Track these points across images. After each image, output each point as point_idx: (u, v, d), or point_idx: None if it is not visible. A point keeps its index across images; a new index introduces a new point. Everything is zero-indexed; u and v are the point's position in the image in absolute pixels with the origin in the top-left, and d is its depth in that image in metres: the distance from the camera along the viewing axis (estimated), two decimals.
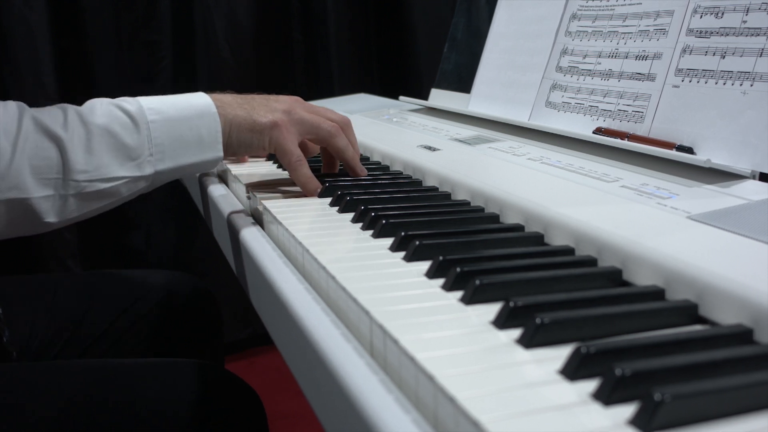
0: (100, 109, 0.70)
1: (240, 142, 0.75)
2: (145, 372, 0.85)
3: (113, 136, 0.69)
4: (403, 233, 0.59)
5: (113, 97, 0.75)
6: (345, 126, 0.81)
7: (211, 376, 0.86)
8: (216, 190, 0.89)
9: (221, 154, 0.74)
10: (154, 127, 0.70)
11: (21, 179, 0.65)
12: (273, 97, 0.80)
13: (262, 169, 0.96)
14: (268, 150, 0.77)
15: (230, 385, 0.88)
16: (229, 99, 0.77)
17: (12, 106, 0.68)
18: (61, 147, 0.67)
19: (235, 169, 0.93)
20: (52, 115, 0.68)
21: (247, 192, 0.81)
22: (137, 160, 0.69)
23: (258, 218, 0.76)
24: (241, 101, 0.77)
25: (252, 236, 0.69)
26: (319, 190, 0.77)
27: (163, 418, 0.79)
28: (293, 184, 0.80)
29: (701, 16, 0.75)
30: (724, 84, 0.69)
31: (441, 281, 0.51)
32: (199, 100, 0.74)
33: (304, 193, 0.77)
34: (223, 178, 0.96)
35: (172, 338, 1.07)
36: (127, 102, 0.71)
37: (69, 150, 0.67)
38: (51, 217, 0.68)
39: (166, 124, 0.71)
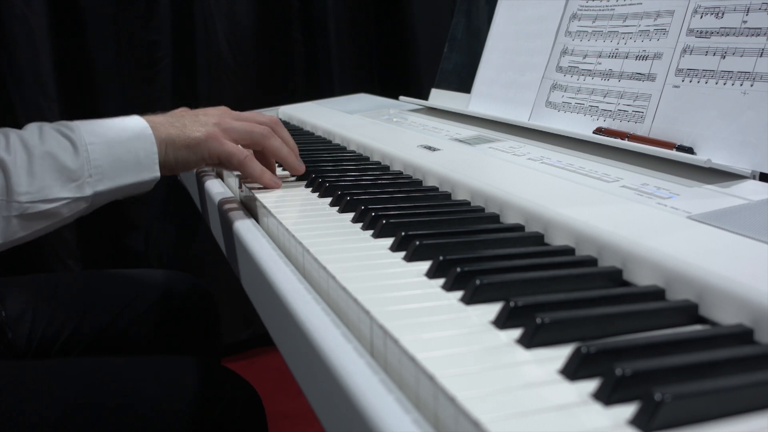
0: (41, 133, 0.72)
1: (177, 160, 0.77)
2: (145, 370, 0.85)
3: (54, 158, 0.70)
4: (403, 233, 0.59)
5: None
6: (275, 125, 0.83)
7: (211, 374, 0.87)
8: (213, 186, 0.89)
9: (158, 174, 0.76)
10: (93, 149, 0.72)
11: None
12: (201, 111, 0.81)
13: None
14: (208, 162, 0.79)
15: (229, 381, 0.88)
16: (161, 119, 0.78)
17: None
18: (5, 169, 0.68)
19: None
20: None
21: (241, 187, 0.82)
22: (77, 181, 0.71)
23: (255, 215, 0.76)
24: (172, 120, 0.78)
25: (252, 237, 0.69)
26: (275, 179, 0.80)
27: (163, 416, 0.79)
28: (287, 175, 0.84)
29: (701, 16, 0.75)
30: (725, 84, 0.69)
31: (441, 281, 0.51)
32: (134, 123, 0.76)
33: (265, 187, 0.80)
34: (219, 174, 0.97)
35: (170, 337, 1.07)
36: (66, 126, 0.73)
37: (12, 173, 0.68)
38: None
39: (105, 147, 0.73)
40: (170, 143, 0.76)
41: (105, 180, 0.73)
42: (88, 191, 0.72)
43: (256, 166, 0.79)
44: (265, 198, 0.75)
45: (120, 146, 0.73)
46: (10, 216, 0.69)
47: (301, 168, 0.84)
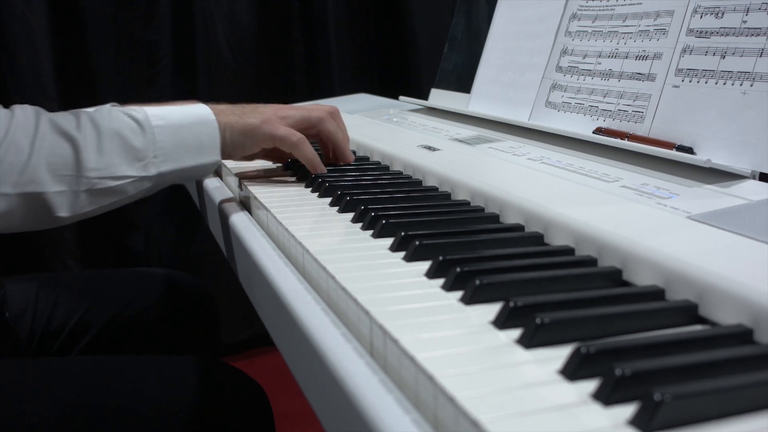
0: (110, 114, 0.75)
1: (234, 143, 0.81)
2: (146, 369, 0.85)
3: (122, 138, 0.74)
4: (403, 233, 0.59)
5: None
6: (333, 113, 0.89)
7: (213, 372, 0.87)
8: (212, 183, 0.89)
9: (219, 157, 0.80)
10: (159, 132, 0.76)
11: (38, 175, 0.70)
12: (261, 105, 0.86)
13: (256, 164, 0.96)
14: (263, 145, 0.83)
15: (232, 379, 0.88)
16: (223, 107, 0.83)
17: (29, 109, 0.74)
18: (75, 146, 0.72)
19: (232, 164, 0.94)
20: (67, 118, 0.74)
21: (241, 187, 0.82)
22: (143, 161, 0.75)
23: (254, 215, 0.76)
24: (234, 108, 0.83)
25: (252, 237, 0.69)
26: (320, 169, 0.84)
27: (164, 415, 0.79)
28: (285, 174, 0.88)
29: (701, 16, 0.75)
30: (724, 84, 0.69)
31: (441, 281, 0.51)
32: (198, 109, 0.80)
33: (310, 170, 0.84)
34: (217, 173, 0.97)
35: (170, 336, 1.07)
36: (134, 110, 0.77)
37: (82, 149, 0.72)
38: (63, 212, 0.72)
39: (170, 130, 0.76)
40: (229, 128, 0.80)
41: (169, 161, 0.76)
42: (152, 171, 0.75)
43: (309, 149, 0.83)
44: (264, 198, 0.75)
45: (185, 130, 0.77)
46: (79, 191, 0.72)
47: (351, 157, 0.90)
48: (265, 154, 0.92)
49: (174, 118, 0.77)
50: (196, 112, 0.79)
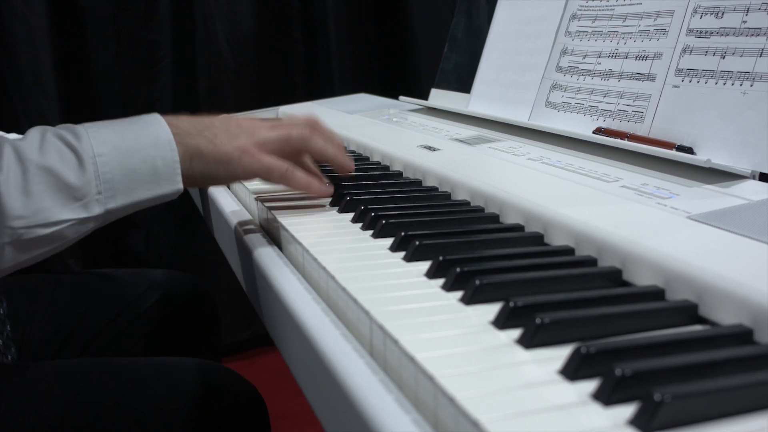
0: (42, 143, 0.62)
1: (204, 174, 0.68)
2: (146, 370, 0.85)
3: (54, 174, 0.61)
4: (403, 233, 0.59)
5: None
6: (313, 124, 0.74)
7: (211, 373, 0.87)
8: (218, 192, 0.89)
9: (180, 186, 0.66)
10: (102, 162, 0.62)
11: None
12: (234, 121, 0.71)
13: None
14: (242, 178, 0.72)
15: (230, 381, 0.88)
16: (186, 125, 0.68)
17: None
18: None
19: None
20: None
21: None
22: (83, 200, 0.62)
23: (254, 214, 0.76)
24: (200, 127, 0.68)
25: (251, 235, 0.69)
26: (325, 186, 0.73)
27: (164, 416, 0.79)
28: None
29: (701, 16, 0.75)
30: (724, 84, 0.69)
31: (441, 281, 0.51)
32: (153, 128, 0.66)
33: (314, 196, 0.73)
34: None
35: (170, 337, 1.07)
36: (73, 133, 0.64)
37: (3, 193, 0.59)
38: None
39: (116, 157, 0.63)
40: (197, 155, 0.67)
41: (118, 196, 0.63)
42: (96, 210, 0.63)
43: (301, 177, 0.71)
44: (263, 198, 0.75)
45: (135, 155, 0.64)
46: (2, 243, 0.60)
47: (351, 165, 0.77)
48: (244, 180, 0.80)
49: (121, 142, 0.64)
50: (149, 131, 0.65)
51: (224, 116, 0.72)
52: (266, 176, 0.70)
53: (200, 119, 0.70)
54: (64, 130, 0.64)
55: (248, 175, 0.69)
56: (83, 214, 0.62)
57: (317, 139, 0.73)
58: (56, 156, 0.61)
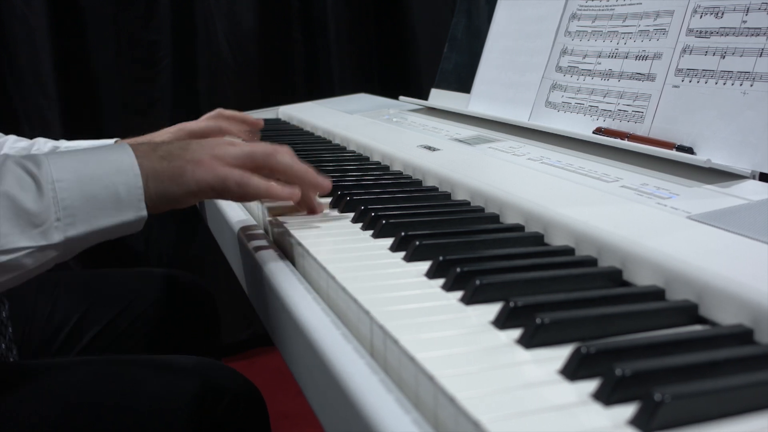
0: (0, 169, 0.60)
1: (160, 195, 0.64)
2: (146, 369, 0.85)
3: (11, 199, 0.58)
4: (403, 233, 0.59)
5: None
6: (280, 148, 0.69)
7: (212, 372, 0.87)
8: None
9: (144, 213, 0.63)
10: (61, 188, 0.60)
11: None
12: (194, 141, 0.67)
13: None
14: (198, 194, 0.64)
15: (231, 380, 0.88)
16: (145, 147, 0.65)
17: None
18: None
19: None
20: None
21: None
22: (41, 227, 0.59)
23: (254, 215, 0.76)
24: (156, 148, 0.65)
25: (254, 242, 0.69)
26: (288, 188, 0.66)
27: (164, 415, 0.79)
28: None
29: (701, 16, 0.75)
30: (724, 84, 0.69)
31: (441, 281, 0.51)
32: (117, 154, 0.63)
33: (281, 199, 0.67)
34: None
35: (170, 337, 1.07)
36: (33, 161, 0.61)
37: None
38: None
39: (76, 184, 0.60)
40: (153, 175, 0.63)
41: (78, 223, 0.60)
42: (56, 237, 0.59)
43: (259, 182, 0.65)
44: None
45: (96, 182, 0.61)
46: None
47: (326, 184, 0.70)
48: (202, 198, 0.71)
49: (82, 169, 0.61)
50: (113, 158, 0.63)
51: (187, 139, 0.69)
52: (222, 187, 0.64)
53: (160, 143, 0.68)
54: (26, 158, 0.62)
55: (203, 188, 0.64)
56: (42, 242, 0.59)
57: (283, 156, 0.67)
58: (14, 182, 0.59)
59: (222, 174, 0.64)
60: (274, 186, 0.65)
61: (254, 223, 0.76)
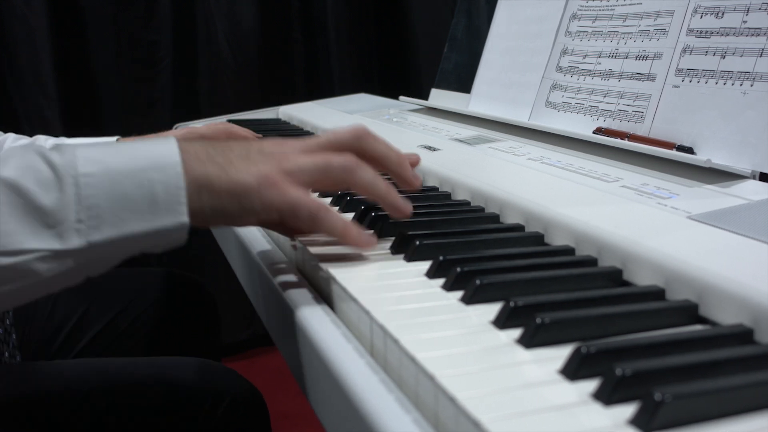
0: (15, 158, 0.50)
1: (215, 209, 0.52)
2: (146, 370, 0.85)
3: (21, 193, 0.48)
4: (403, 233, 0.59)
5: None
6: (360, 139, 0.58)
7: (212, 374, 0.87)
8: None
9: (185, 219, 0.51)
10: (87, 183, 0.49)
11: None
12: (256, 145, 0.56)
13: None
14: (262, 216, 0.54)
15: (231, 381, 0.88)
16: (195, 148, 0.53)
17: None
18: None
19: None
20: None
21: None
22: (57, 227, 0.48)
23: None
24: (213, 152, 0.53)
25: (247, 230, 0.69)
26: (366, 235, 0.57)
27: (164, 416, 0.79)
28: None
29: (701, 16, 0.75)
30: (725, 84, 0.69)
31: (441, 281, 0.51)
32: (158, 147, 0.52)
33: (355, 245, 0.56)
34: None
35: (170, 337, 1.07)
36: (57, 149, 0.51)
37: None
38: None
39: (106, 179, 0.50)
40: (206, 185, 0.52)
41: (103, 226, 0.49)
42: (75, 241, 0.48)
43: (337, 221, 0.55)
44: None
45: (129, 178, 0.50)
46: None
47: (407, 210, 0.58)
48: (264, 222, 0.63)
49: (114, 161, 0.50)
50: (151, 151, 0.51)
51: (246, 140, 0.58)
52: (291, 214, 0.53)
53: (214, 142, 0.56)
54: (52, 147, 0.52)
55: (268, 211, 0.53)
56: (56, 246, 0.48)
57: (363, 172, 0.56)
58: (29, 173, 0.49)
59: (294, 199, 0.53)
60: (351, 229, 0.55)
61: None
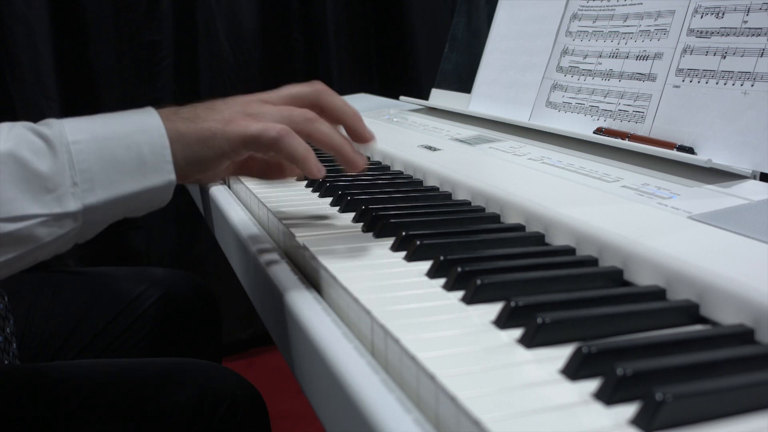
0: (8, 133, 0.53)
1: (188, 159, 0.57)
2: (147, 370, 0.85)
3: (19, 162, 0.51)
4: (404, 233, 0.59)
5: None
6: (319, 93, 0.62)
7: (212, 374, 0.87)
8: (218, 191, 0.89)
9: (172, 176, 0.56)
10: (78, 149, 0.53)
11: None
12: (219, 100, 0.61)
13: None
14: (230, 155, 0.58)
15: (231, 382, 0.88)
16: (168, 110, 0.59)
17: None
18: None
19: None
20: None
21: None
22: (55, 191, 0.52)
23: (254, 213, 0.76)
24: (181, 110, 0.59)
25: (247, 229, 0.69)
26: (318, 170, 0.59)
27: (165, 416, 0.79)
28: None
29: (702, 16, 0.75)
30: (725, 84, 0.69)
31: (442, 281, 0.51)
32: (139, 115, 0.57)
33: (308, 172, 0.59)
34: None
35: (171, 337, 1.07)
36: (46, 124, 0.55)
37: None
38: None
39: (94, 144, 0.54)
40: (178, 138, 0.56)
41: (97, 188, 0.53)
42: (72, 205, 0.52)
43: (299, 145, 0.57)
44: (263, 196, 0.75)
45: (116, 142, 0.54)
46: None
47: (360, 164, 0.61)
48: (236, 170, 0.68)
49: (100, 129, 0.55)
50: (135, 118, 0.57)
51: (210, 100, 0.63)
52: (255, 142, 0.57)
53: (182, 105, 0.61)
54: (40, 123, 0.56)
55: (236, 148, 0.57)
56: (56, 209, 0.52)
57: (322, 125, 0.59)
58: (23, 143, 0.52)
59: (257, 128, 0.56)
60: (311, 156, 0.58)
61: (255, 221, 0.76)
